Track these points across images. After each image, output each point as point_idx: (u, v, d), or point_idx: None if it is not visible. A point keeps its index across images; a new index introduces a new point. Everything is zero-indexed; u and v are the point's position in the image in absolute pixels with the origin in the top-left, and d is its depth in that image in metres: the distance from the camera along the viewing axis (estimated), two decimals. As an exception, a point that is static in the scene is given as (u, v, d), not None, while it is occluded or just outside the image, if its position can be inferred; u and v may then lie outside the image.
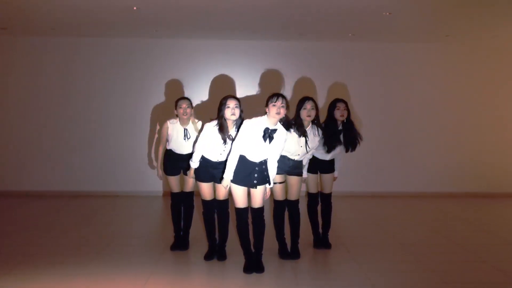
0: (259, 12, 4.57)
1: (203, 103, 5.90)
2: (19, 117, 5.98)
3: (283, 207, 3.60)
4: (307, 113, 3.36)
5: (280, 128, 3.14)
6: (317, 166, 3.79)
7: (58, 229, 4.31)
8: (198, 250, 3.69)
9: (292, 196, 3.57)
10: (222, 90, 5.99)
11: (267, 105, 3.10)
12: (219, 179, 3.28)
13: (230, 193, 3.36)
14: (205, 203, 3.49)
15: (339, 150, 3.73)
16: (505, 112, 6.30)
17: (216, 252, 3.50)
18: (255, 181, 3.13)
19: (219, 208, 3.45)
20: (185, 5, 4.31)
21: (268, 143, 3.08)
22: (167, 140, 3.68)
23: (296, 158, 3.48)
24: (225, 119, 3.21)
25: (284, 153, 3.44)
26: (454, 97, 6.24)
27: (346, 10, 4.45)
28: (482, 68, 6.24)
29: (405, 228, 4.54)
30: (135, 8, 4.41)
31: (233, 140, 3.19)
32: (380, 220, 4.83)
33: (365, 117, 6.02)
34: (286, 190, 3.60)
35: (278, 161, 3.45)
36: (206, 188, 3.43)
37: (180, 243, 3.72)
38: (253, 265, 3.23)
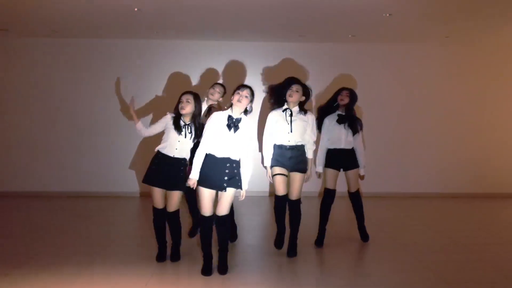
0: (259, 14, 4.57)
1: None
2: (19, 118, 5.97)
3: (283, 202, 3.49)
4: (289, 93, 3.43)
5: (245, 118, 3.12)
6: (339, 161, 3.81)
7: (58, 230, 4.31)
8: (198, 252, 3.65)
9: (293, 195, 3.50)
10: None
11: (233, 94, 3.11)
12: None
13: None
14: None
15: (351, 137, 3.80)
16: (505, 112, 6.30)
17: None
18: (224, 184, 3.01)
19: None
20: (186, 6, 4.31)
21: (233, 132, 3.05)
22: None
23: (289, 141, 3.42)
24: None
25: (279, 142, 3.44)
26: (453, 98, 6.25)
27: (346, 11, 4.45)
28: (482, 69, 6.24)
29: (405, 228, 4.54)
30: (136, 9, 4.42)
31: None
32: (380, 221, 4.82)
33: (364, 118, 6.00)
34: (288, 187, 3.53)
35: (277, 154, 3.46)
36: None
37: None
38: (210, 267, 3.13)
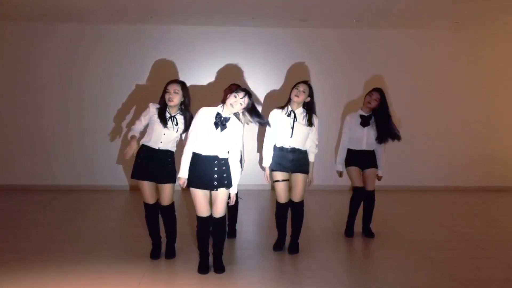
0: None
1: (199, 91, 5.70)
2: (5, 108, 5.73)
3: (285, 210, 3.45)
4: (295, 93, 3.31)
5: (234, 118, 2.96)
6: (357, 159, 3.80)
7: (49, 225, 4.17)
8: (194, 248, 3.51)
9: (296, 197, 3.40)
10: (220, 79, 5.81)
11: (229, 92, 3.00)
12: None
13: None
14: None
15: (372, 139, 3.76)
16: (516, 102, 6.11)
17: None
18: (215, 183, 2.90)
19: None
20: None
21: (219, 131, 2.90)
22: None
23: (290, 144, 3.32)
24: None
25: (279, 144, 3.35)
26: (463, 87, 6.02)
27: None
28: (493, 56, 6.00)
29: (412, 223, 4.40)
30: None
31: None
32: (387, 216, 4.67)
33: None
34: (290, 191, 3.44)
35: (277, 156, 3.35)
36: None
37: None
38: (206, 265, 3.06)
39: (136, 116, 5.33)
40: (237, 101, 2.88)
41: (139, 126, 3.19)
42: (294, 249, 3.44)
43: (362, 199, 3.85)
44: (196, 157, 2.94)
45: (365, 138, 3.76)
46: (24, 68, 5.73)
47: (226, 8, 4.84)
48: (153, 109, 3.16)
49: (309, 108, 3.36)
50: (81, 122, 5.78)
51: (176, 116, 3.15)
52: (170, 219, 3.28)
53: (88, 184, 5.80)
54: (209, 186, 2.92)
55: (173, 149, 3.23)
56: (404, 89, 5.97)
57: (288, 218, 3.52)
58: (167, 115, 3.13)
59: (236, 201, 3.34)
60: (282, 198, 3.40)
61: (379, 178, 3.92)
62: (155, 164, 3.13)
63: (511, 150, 6.10)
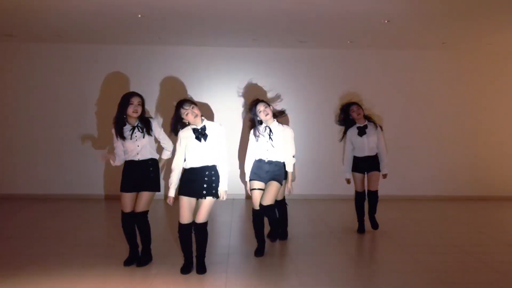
0: (260, 20, 4.63)
1: (203, 108, 5.96)
2: (22, 121, 6.02)
3: (261, 217, 3.61)
4: (264, 114, 3.51)
5: (208, 123, 3.18)
6: (362, 165, 4.23)
7: (62, 231, 4.33)
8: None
9: (265, 200, 3.47)
10: (223, 96, 6.09)
11: (179, 112, 3.12)
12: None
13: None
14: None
15: (373, 144, 4.19)
16: (500, 116, 6.38)
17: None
18: (204, 191, 3.10)
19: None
20: (189, 13, 4.38)
21: (204, 141, 3.12)
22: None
23: (267, 157, 3.53)
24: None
25: (258, 157, 3.56)
26: (450, 103, 6.32)
27: (345, 18, 4.51)
28: (478, 74, 6.33)
29: (402, 230, 4.58)
30: (139, 15, 4.48)
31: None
32: (379, 222, 4.80)
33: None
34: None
35: (255, 166, 3.57)
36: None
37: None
38: (191, 266, 3.24)
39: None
40: (190, 112, 3.08)
41: (119, 150, 3.31)
42: (276, 237, 3.91)
43: (363, 199, 4.26)
44: (189, 170, 3.15)
45: (366, 145, 4.19)
46: (40, 85, 6.00)
47: (230, 30, 5.09)
48: (114, 131, 3.29)
49: (278, 116, 3.63)
50: (92, 134, 6.01)
51: (138, 125, 3.27)
52: (143, 226, 3.32)
53: (99, 194, 6.02)
54: (199, 194, 3.12)
55: (154, 155, 3.35)
56: (395, 104, 6.25)
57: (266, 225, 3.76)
58: (129, 127, 3.25)
59: (285, 206, 3.80)
60: (258, 205, 3.54)
61: (384, 176, 4.30)
62: (138, 175, 3.28)
63: (496, 161, 6.36)
